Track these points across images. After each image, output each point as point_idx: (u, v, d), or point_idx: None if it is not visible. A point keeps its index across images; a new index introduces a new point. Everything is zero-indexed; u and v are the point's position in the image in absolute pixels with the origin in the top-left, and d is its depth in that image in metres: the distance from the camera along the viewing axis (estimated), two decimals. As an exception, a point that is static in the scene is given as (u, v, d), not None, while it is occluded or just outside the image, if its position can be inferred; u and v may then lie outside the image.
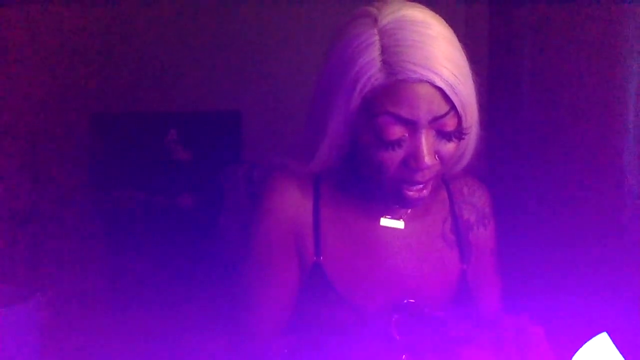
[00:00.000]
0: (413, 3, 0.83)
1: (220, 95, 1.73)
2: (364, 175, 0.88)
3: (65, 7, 1.65)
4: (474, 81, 0.82)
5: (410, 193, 0.84)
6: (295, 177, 0.93)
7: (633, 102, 1.14)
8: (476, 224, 1.00)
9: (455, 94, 0.78)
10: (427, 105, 0.77)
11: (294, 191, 0.93)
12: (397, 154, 0.81)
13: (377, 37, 0.78)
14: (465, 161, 0.92)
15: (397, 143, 0.80)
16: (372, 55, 0.78)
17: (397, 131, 0.79)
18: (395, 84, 0.77)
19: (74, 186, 1.70)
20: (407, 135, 0.80)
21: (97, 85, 1.69)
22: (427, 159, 0.80)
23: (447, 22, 0.83)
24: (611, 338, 0.76)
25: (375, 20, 0.80)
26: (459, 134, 0.82)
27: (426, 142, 0.79)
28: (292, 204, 0.92)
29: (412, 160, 0.80)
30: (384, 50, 0.78)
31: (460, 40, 0.82)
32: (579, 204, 1.28)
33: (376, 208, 0.94)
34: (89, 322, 1.55)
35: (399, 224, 0.94)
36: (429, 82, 0.76)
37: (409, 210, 0.95)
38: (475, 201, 1.01)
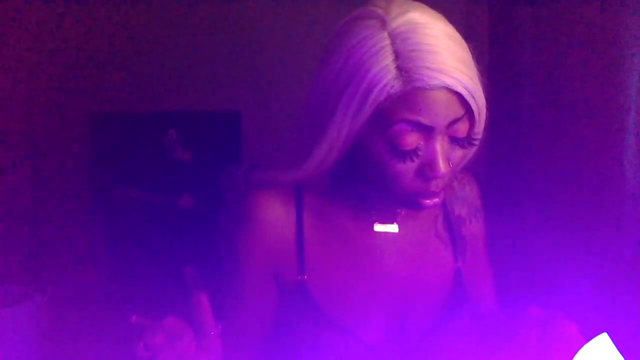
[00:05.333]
0: (417, 3, 0.80)
1: (220, 95, 1.73)
2: (360, 179, 0.85)
3: (65, 6, 1.65)
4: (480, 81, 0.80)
5: (426, 201, 0.82)
6: (275, 193, 0.89)
7: (633, 102, 1.14)
8: (468, 218, 0.98)
9: (473, 97, 0.76)
10: (445, 111, 0.75)
11: (274, 210, 0.88)
12: (413, 164, 0.78)
13: (388, 41, 0.75)
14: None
15: (414, 152, 0.77)
16: (386, 62, 0.74)
17: (413, 140, 0.76)
18: (412, 91, 0.74)
19: (74, 186, 1.69)
20: (422, 143, 0.77)
21: (96, 85, 1.68)
22: (443, 166, 0.78)
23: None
24: (611, 338, 0.76)
25: (384, 23, 0.76)
26: (470, 139, 0.81)
27: (441, 149, 0.77)
28: (273, 224, 0.88)
29: (427, 168, 0.78)
30: (397, 55, 0.74)
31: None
32: (579, 203, 1.28)
33: (365, 213, 0.91)
34: (89, 322, 1.55)
35: (393, 228, 0.92)
36: (447, 87, 0.74)
37: (403, 212, 0.92)
38: (466, 195, 0.99)
